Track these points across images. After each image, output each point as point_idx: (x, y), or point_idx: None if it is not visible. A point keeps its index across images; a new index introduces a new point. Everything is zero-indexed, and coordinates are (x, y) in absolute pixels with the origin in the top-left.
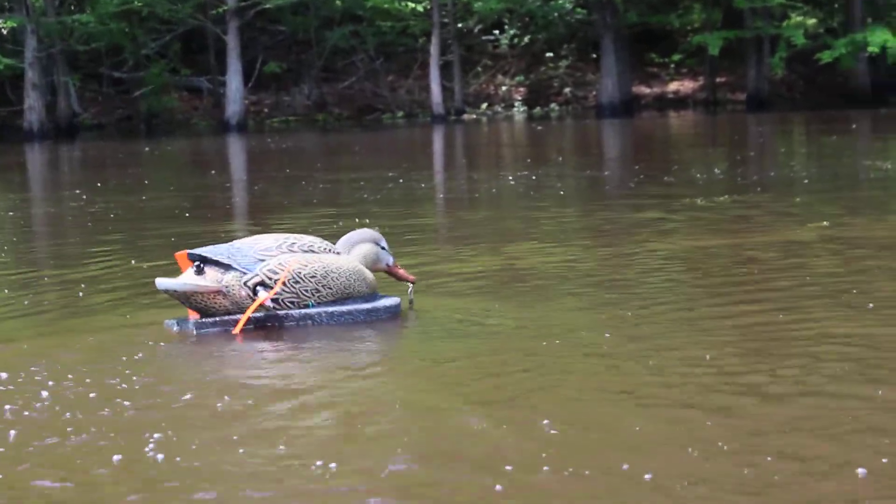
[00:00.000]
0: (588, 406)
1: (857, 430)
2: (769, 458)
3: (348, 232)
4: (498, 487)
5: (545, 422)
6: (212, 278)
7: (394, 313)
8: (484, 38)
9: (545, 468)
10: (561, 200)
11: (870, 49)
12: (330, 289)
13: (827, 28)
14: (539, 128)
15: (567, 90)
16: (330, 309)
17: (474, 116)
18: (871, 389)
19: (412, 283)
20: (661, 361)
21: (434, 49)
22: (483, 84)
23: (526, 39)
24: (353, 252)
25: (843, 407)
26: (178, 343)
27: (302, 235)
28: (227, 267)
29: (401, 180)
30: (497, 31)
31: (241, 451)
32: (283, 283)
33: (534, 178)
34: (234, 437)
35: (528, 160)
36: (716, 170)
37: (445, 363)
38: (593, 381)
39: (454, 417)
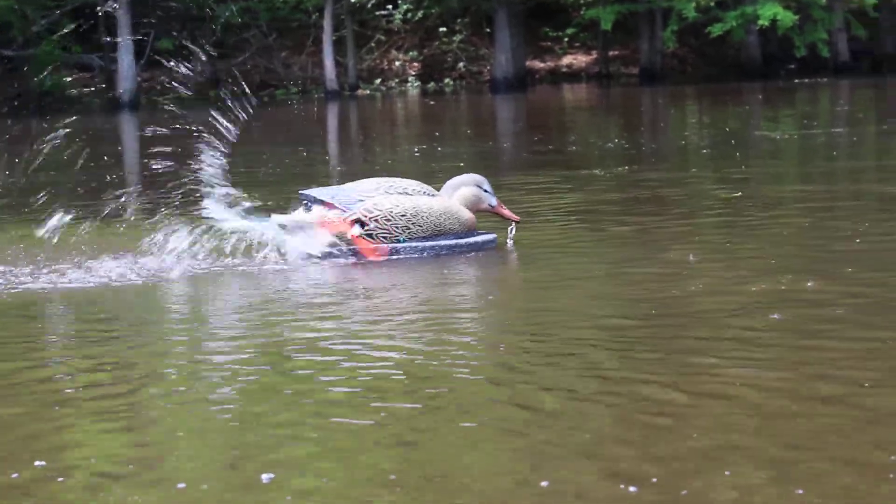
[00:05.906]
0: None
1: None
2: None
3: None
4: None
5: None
6: (316, 215)
7: (483, 248)
8: (377, 13)
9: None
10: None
11: (760, 22)
12: (420, 226)
13: (718, 1)
14: (432, 103)
15: (461, 65)
16: (418, 244)
17: (368, 92)
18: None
19: (515, 222)
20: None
21: (327, 24)
22: (376, 59)
23: (419, 14)
24: (456, 195)
25: None
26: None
27: (400, 179)
28: (330, 206)
29: (305, 153)
30: (390, 6)
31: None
32: (377, 221)
33: (439, 149)
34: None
35: (434, 134)
36: (618, 140)
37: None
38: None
39: None
